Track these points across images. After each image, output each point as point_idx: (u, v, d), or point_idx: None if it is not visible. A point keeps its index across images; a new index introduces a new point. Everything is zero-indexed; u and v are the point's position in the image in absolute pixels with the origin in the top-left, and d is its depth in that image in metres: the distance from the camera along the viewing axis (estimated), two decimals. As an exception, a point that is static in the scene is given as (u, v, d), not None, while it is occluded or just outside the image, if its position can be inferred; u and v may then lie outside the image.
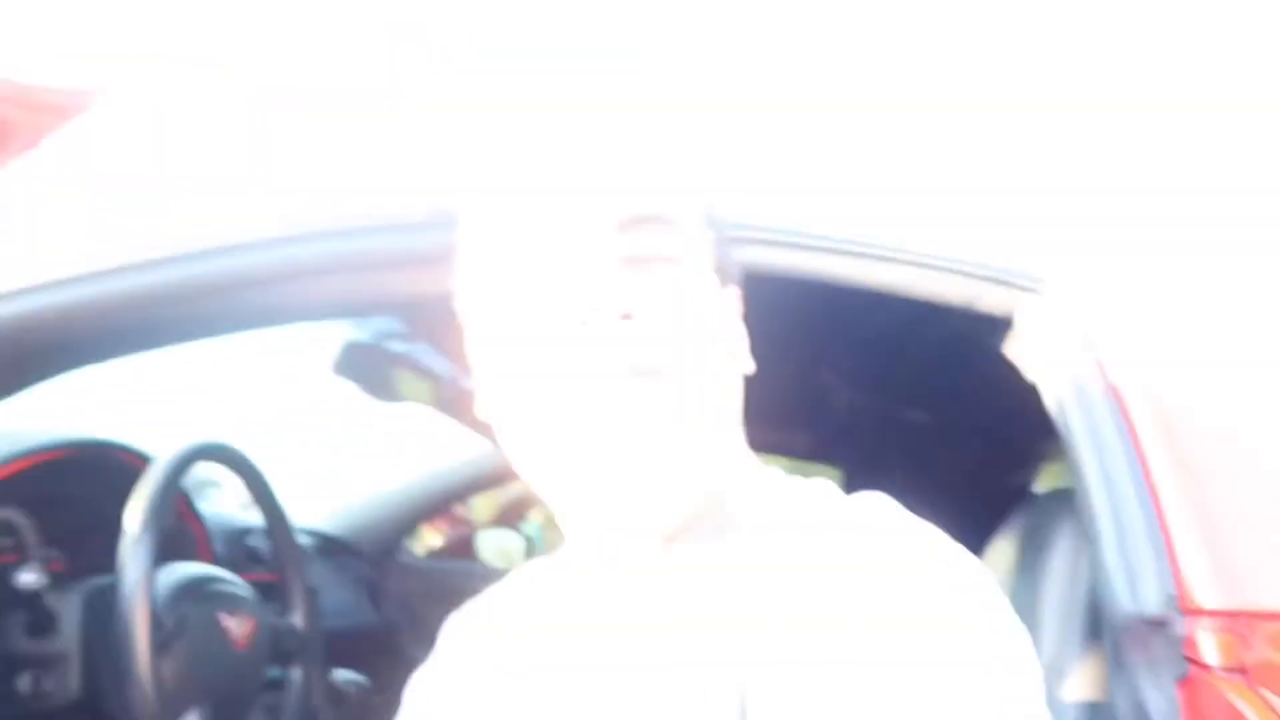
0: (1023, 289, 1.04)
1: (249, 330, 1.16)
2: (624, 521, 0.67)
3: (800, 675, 0.56)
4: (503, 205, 0.70)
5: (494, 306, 0.68)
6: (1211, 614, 0.76)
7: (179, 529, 1.48)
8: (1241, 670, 0.73)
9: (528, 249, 0.66)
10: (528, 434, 0.66)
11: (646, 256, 0.65)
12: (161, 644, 1.15)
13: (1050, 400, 0.97)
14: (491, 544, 2.55)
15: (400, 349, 1.76)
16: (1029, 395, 1.01)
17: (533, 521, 2.96)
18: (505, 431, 0.69)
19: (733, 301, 0.74)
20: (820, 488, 0.70)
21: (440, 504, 2.44)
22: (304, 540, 1.93)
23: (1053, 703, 0.57)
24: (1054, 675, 0.90)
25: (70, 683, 1.23)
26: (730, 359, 0.69)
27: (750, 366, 0.72)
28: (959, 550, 0.61)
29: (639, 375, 0.61)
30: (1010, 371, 1.06)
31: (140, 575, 1.14)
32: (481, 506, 2.97)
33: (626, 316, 0.61)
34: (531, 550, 2.55)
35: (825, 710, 0.53)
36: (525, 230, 0.66)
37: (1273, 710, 0.68)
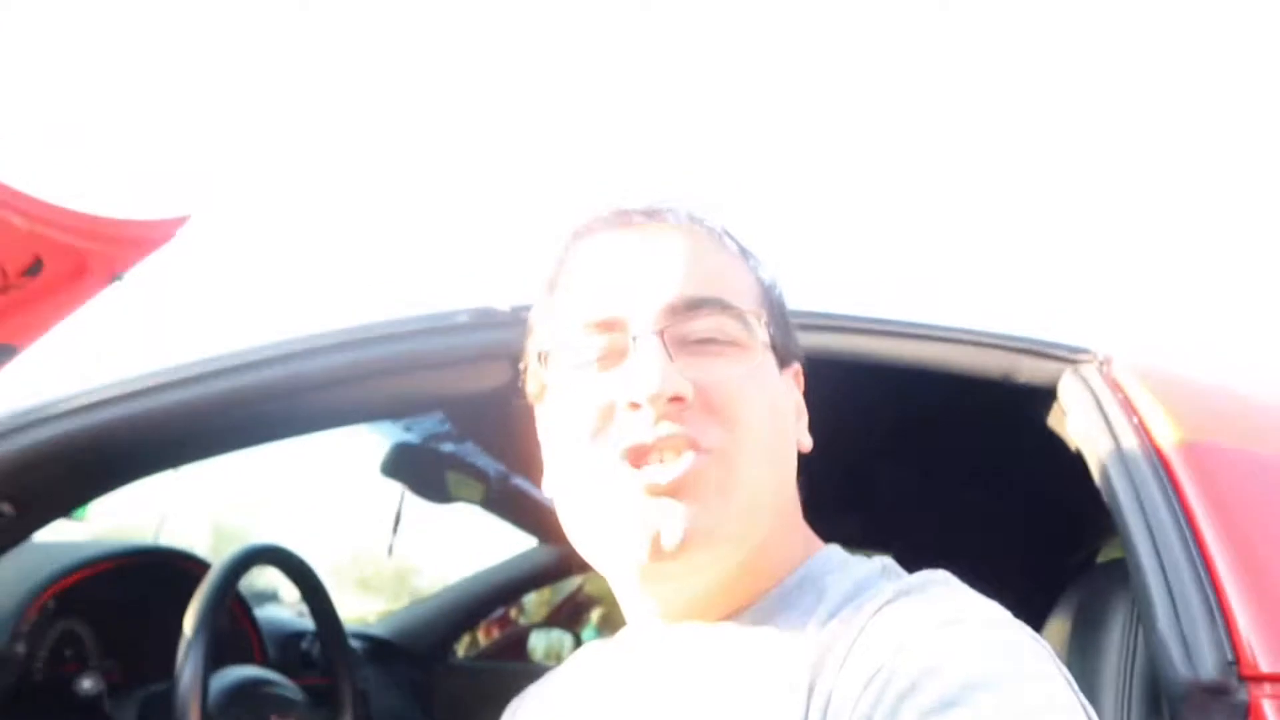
0: (1062, 360, 1.05)
1: (304, 434, 1.20)
2: (668, 594, 0.69)
3: None
4: (569, 287, 0.74)
5: (558, 386, 0.72)
6: (1272, 679, 0.73)
7: (234, 633, 1.50)
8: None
9: (588, 334, 0.70)
10: (585, 511, 0.68)
11: (702, 340, 0.68)
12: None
13: (1095, 469, 0.96)
14: (544, 643, 2.53)
15: (449, 449, 1.79)
16: (1076, 467, 1.01)
17: (589, 624, 2.93)
18: (563, 507, 0.71)
19: (793, 379, 0.76)
20: (883, 563, 0.70)
21: (491, 605, 2.43)
22: (356, 644, 1.93)
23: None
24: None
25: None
26: (788, 437, 0.71)
27: (808, 444, 0.74)
28: (1014, 621, 0.60)
29: (687, 452, 0.64)
30: (1055, 444, 1.06)
31: (194, 679, 1.15)
32: (534, 606, 2.95)
33: (678, 400, 0.64)
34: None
35: None
36: (586, 315, 0.70)
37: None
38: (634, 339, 0.67)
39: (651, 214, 0.74)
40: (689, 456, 0.64)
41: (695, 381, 0.65)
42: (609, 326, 0.69)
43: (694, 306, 0.68)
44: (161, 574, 1.45)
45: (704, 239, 0.74)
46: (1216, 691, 0.74)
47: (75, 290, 1.91)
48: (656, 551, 0.63)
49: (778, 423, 0.69)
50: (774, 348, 0.72)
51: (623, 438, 0.65)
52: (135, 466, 1.08)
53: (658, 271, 0.69)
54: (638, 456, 0.65)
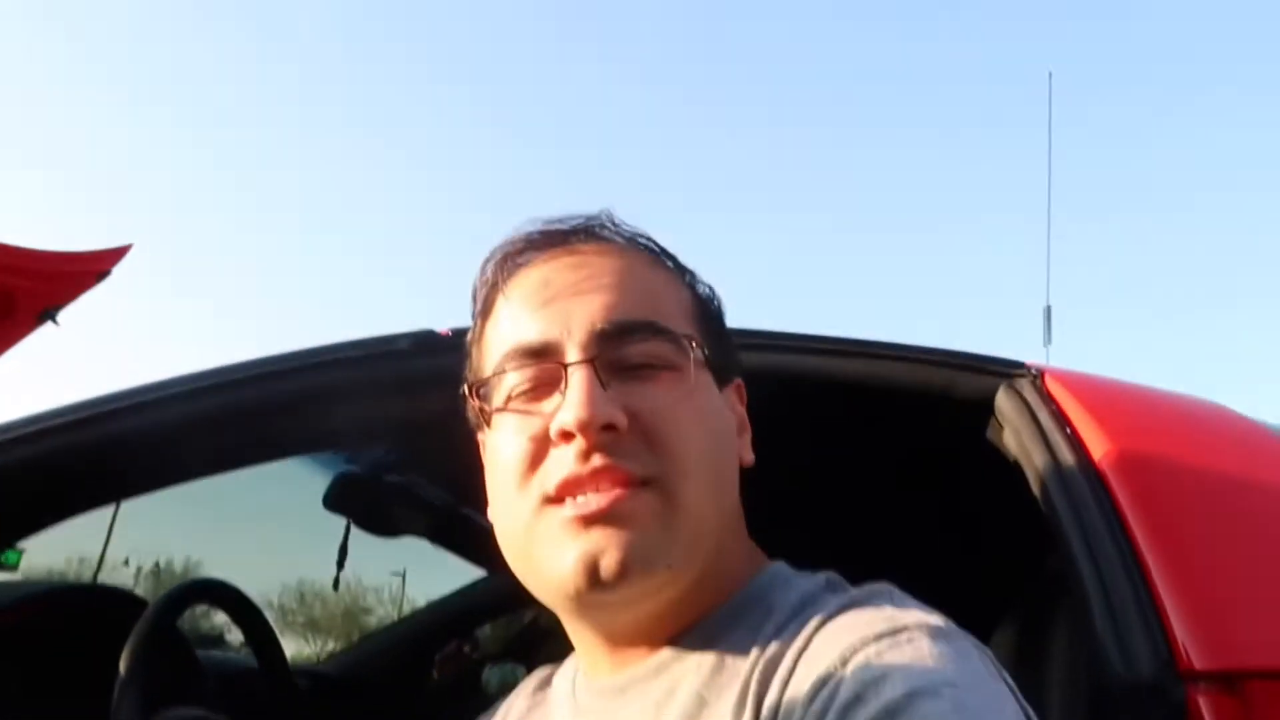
0: (997, 374, 1.07)
1: (242, 466, 1.18)
2: (612, 622, 0.68)
3: None
4: (501, 313, 0.73)
5: (494, 417, 0.71)
6: (1208, 675, 0.75)
7: (174, 674, 1.45)
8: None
9: (520, 362, 0.69)
10: (521, 543, 0.67)
11: (636, 365, 0.68)
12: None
13: (1033, 480, 0.98)
14: (498, 677, 2.49)
15: (394, 480, 1.76)
16: (1014, 479, 1.03)
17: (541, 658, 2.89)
18: (502, 540, 0.70)
19: (734, 394, 0.76)
20: (827, 578, 0.70)
21: (442, 638, 2.39)
22: (304, 683, 1.89)
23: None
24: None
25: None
26: (728, 457, 0.71)
27: (750, 459, 0.74)
28: (958, 630, 0.61)
29: (621, 487, 0.63)
30: (993, 457, 1.08)
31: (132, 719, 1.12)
32: (487, 640, 2.91)
33: (610, 428, 0.64)
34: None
35: None
36: (517, 342, 0.69)
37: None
38: (565, 366, 0.66)
39: (583, 233, 0.74)
40: (623, 486, 0.63)
41: (629, 408, 0.65)
42: (540, 354, 0.68)
43: (626, 331, 0.67)
44: (97, 614, 1.40)
45: (637, 258, 0.74)
46: (1154, 690, 0.76)
47: (1, 333, 1.81)
48: (593, 581, 0.63)
49: (717, 443, 0.69)
50: (711, 365, 0.71)
51: (555, 471, 0.65)
52: (63, 502, 1.05)
53: (589, 296, 0.69)
54: (571, 489, 0.64)
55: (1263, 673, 0.76)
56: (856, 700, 0.53)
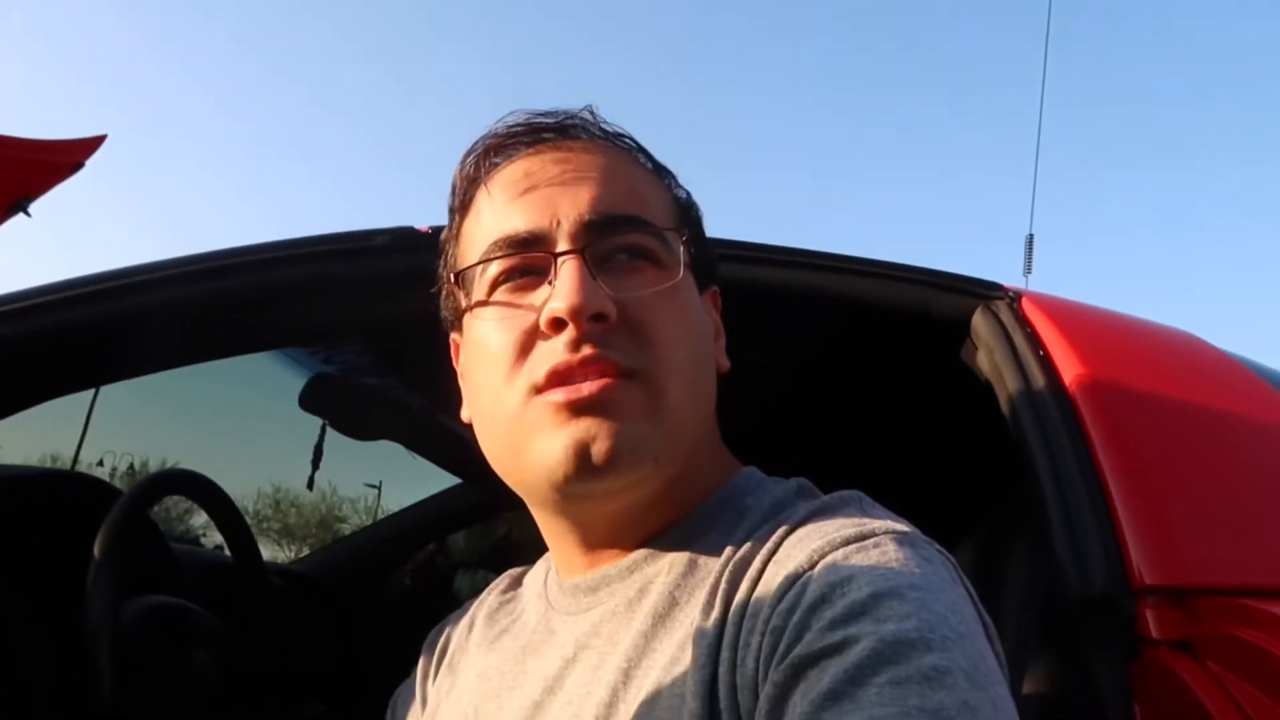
0: (975, 295, 1.08)
1: (214, 358, 1.17)
2: (591, 516, 0.69)
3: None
4: (482, 206, 0.73)
5: (477, 308, 0.71)
6: (1156, 590, 0.77)
7: (149, 565, 1.47)
8: (1189, 645, 0.75)
9: (507, 252, 0.69)
10: (508, 434, 0.68)
11: (623, 258, 0.68)
12: (128, 675, 1.14)
13: (1003, 401, 0.99)
14: (469, 584, 2.53)
15: (371, 383, 1.76)
16: (986, 401, 1.04)
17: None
18: (484, 433, 0.70)
19: (710, 301, 0.77)
20: (799, 484, 0.71)
21: (415, 543, 2.42)
22: (278, 581, 1.91)
23: (1015, 698, 0.57)
24: (1016, 669, 0.91)
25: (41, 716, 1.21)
26: (708, 358, 0.72)
27: (726, 364, 0.75)
28: (924, 537, 0.62)
29: (610, 377, 0.64)
30: (966, 378, 1.09)
31: (104, 604, 1.13)
32: (460, 550, 2.95)
33: (601, 318, 0.64)
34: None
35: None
36: (504, 232, 0.69)
37: (1219, 683, 0.70)
38: (555, 256, 0.66)
39: (566, 129, 0.73)
40: (612, 376, 0.64)
41: (617, 300, 0.65)
42: (528, 244, 0.68)
43: (614, 224, 0.67)
44: (71, 501, 1.41)
45: (620, 156, 0.73)
46: (1106, 603, 0.78)
47: None
48: (584, 467, 0.63)
49: (697, 343, 0.70)
50: (693, 268, 0.72)
51: (544, 360, 0.65)
52: (28, 389, 1.04)
53: (575, 188, 0.69)
54: (561, 378, 0.64)
55: (1207, 589, 0.78)
56: (823, 600, 0.54)
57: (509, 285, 0.69)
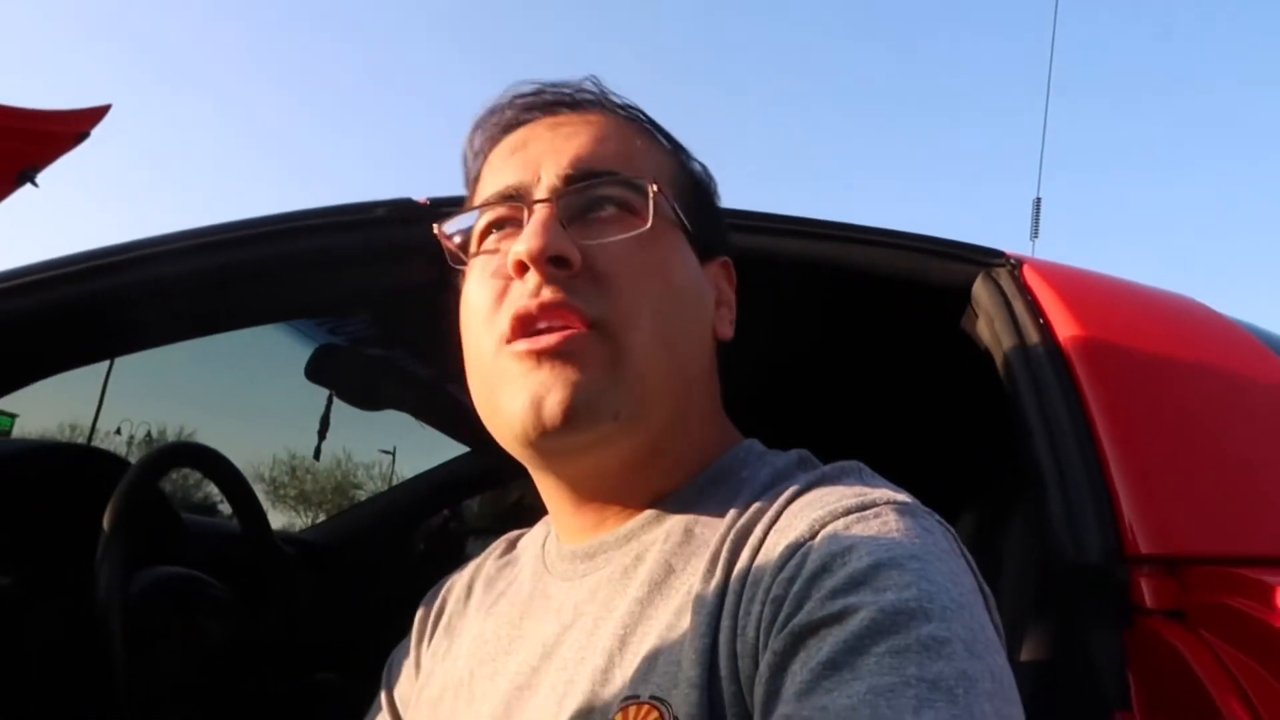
0: (975, 263, 1.07)
1: (219, 331, 1.18)
2: (571, 474, 0.70)
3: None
4: (484, 175, 0.74)
5: (469, 266, 0.72)
6: (1150, 559, 0.77)
7: (159, 536, 1.49)
8: (1183, 614, 0.75)
9: (492, 207, 0.71)
10: (483, 386, 0.69)
11: (598, 211, 0.69)
12: (138, 645, 1.16)
13: (1002, 370, 0.99)
14: (482, 550, 2.54)
15: (376, 354, 1.77)
16: (986, 369, 1.03)
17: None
18: (471, 387, 0.71)
19: (720, 271, 0.78)
20: (799, 455, 0.71)
21: (425, 510, 2.43)
22: (289, 549, 1.93)
23: (1011, 666, 0.57)
24: (1013, 638, 0.92)
25: (52, 687, 1.23)
26: (691, 317, 0.71)
27: (727, 333, 0.75)
28: (924, 507, 0.62)
29: (573, 326, 0.64)
30: (966, 346, 1.08)
31: (114, 575, 1.15)
32: (473, 511, 2.97)
33: (563, 263, 0.65)
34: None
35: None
36: (491, 191, 0.71)
37: (1212, 652, 0.70)
38: (530, 206, 0.68)
39: (568, 103, 0.75)
40: (574, 326, 0.64)
41: (585, 248, 0.66)
42: (510, 198, 0.70)
43: (590, 176, 0.69)
44: (83, 474, 1.43)
45: (617, 121, 0.74)
46: (1100, 571, 0.78)
47: None
48: (538, 423, 0.63)
49: (676, 299, 0.69)
50: (687, 230, 0.72)
51: (511, 305, 0.66)
52: (44, 361, 1.05)
53: (562, 146, 0.70)
54: (524, 324, 0.65)
55: (1199, 558, 0.78)
56: (823, 570, 0.54)
57: (493, 237, 0.71)
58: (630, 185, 0.69)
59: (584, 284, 0.65)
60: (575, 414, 0.63)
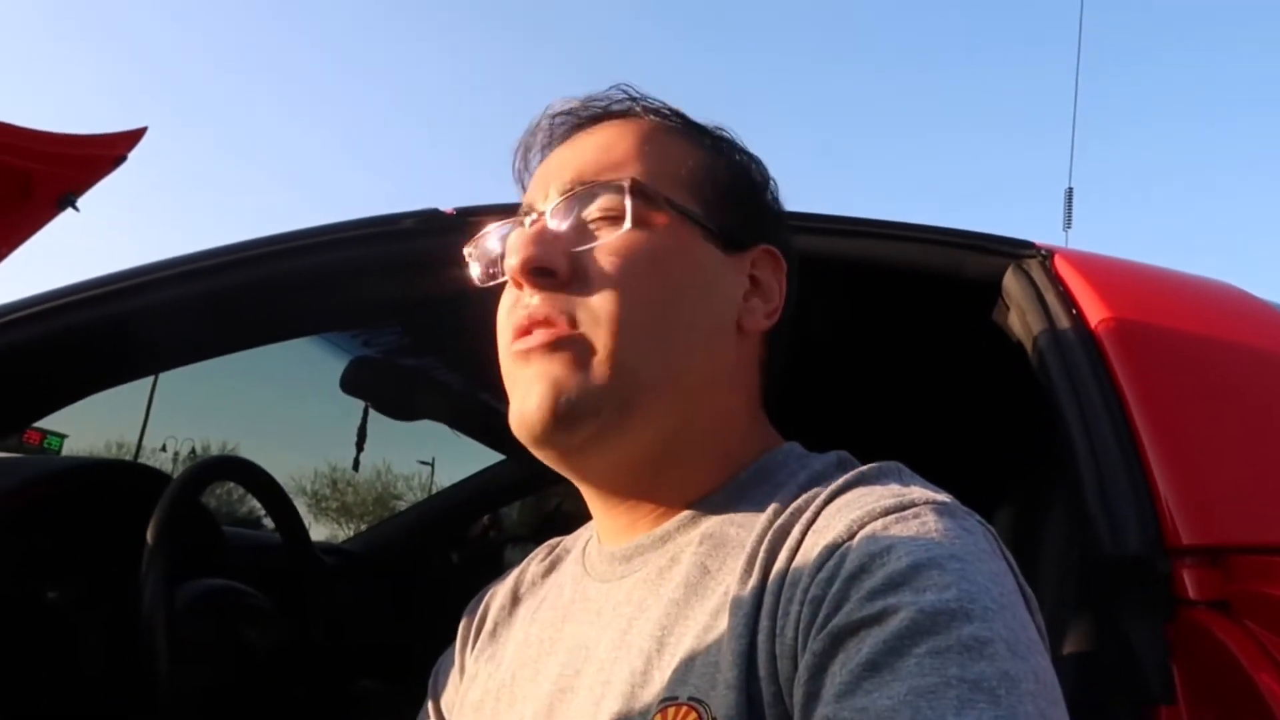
0: (1006, 255, 1.06)
1: (253, 346, 1.20)
2: (585, 475, 0.71)
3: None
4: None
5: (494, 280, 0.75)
6: (1193, 550, 0.76)
7: (200, 548, 1.51)
8: (1226, 604, 0.74)
9: (511, 220, 0.74)
10: (509, 394, 0.70)
11: (593, 217, 0.70)
12: (182, 656, 1.18)
13: (1035, 361, 0.98)
14: (522, 557, 2.55)
15: (410, 364, 1.78)
16: (1019, 361, 1.02)
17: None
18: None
19: (751, 260, 0.75)
20: (839, 456, 0.71)
21: (464, 519, 2.45)
22: (329, 560, 1.95)
23: (1053, 661, 0.57)
24: (1054, 632, 0.91)
25: (98, 698, 1.25)
26: (689, 309, 0.69)
27: (759, 324, 0.74)
28: (963, 507, 0.61)
29: (555, 329, 0.66)
30: (999, 339, 1.07)
31: (159, 588, 1.17)
32: (512, 524, 2.98)
33: (545, 272, 0.67)
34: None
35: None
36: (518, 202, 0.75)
37: (1257, 642, 0.68)
38: (530, 219, 0.71)
39: (595, 118, 0.77)
40: (558, 328, 0.66)
41: (576, 256, 0.67)
42: (524, 213, 0.73)
43: (586, 184, 0.70)
44: (125, 490, 1.45)
45: (633, 127, 0.75)
46: (1141, 563, 0.77)
47: (19, 217, 1.79)
48: (525, 423, 0.66)
49: (670, 296, 0.68)
50: (701, 223, 0.71)
51: (514, 314, 0.69)
52: (76, 381, 1.07)
53: (568, 160, 0.72)
54: (520, 331, 0.67)
55: (1243, 548, 0.76)
56: (862, 570, 0.54)
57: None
58: (611, 188, 0.69)
59: (574, 290, 0.67)
60: (557, 413, 0.64)
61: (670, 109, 0.77)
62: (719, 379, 0.71)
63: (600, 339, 0.65)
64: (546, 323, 0.66)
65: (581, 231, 0.69)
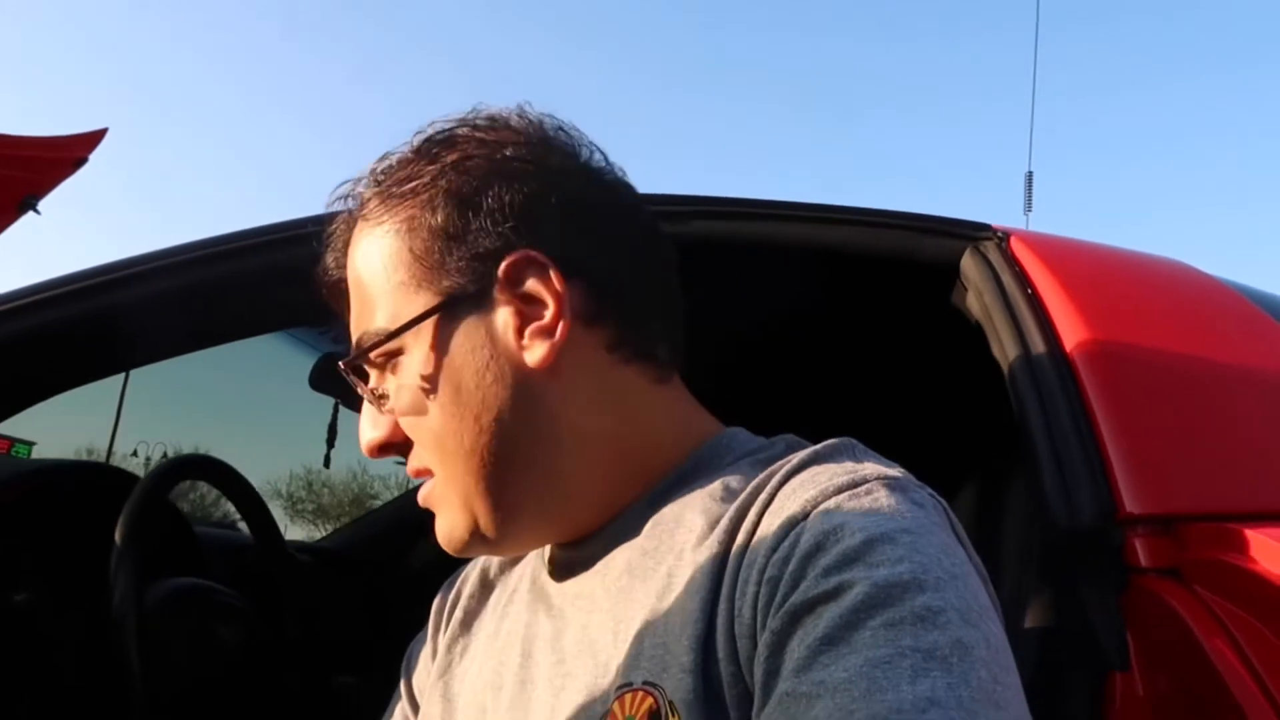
0: (963, 238, 1.07)
1: (223, 342, 1.19)
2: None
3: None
4: None
5: None
6: (1144, 519, 0.78)
7: (172, 548, 1.50)
8: (1178, 571, 0.76)
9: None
10: None
11: (376, 384, 0.72)
12: (155, 655, 1.17)
13: (992, 341, 0.99)
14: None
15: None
16: (977, 343, 1.04)
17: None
18: None
19: (504, 285, 0.67)
20: (786, 440, 0.72)
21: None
22: (304, 558, 1.95)
23: (1015, 634, 0.58)
24: (1015, 606, 0.92)
25: (71, 701, 1.25)
26: (479, 404, 0.66)
27: (537, 359, 0.65)
28: (917, 482, 0.62)
29: (423, 477, 0.70)
30: (957, 321, 1.09)
31: (129, 587, 1.16)
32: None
33: (381, 399, 0.70)
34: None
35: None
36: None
37: (1207, 608, 0.70)
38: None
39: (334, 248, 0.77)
40: (425, 474, 0.70)
41: (394, 420, 0.70)
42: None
43: (358, 354, 0.70)
44: (95, 491, 1.44)
45: (354, 257, 0.72)
46: (1094, 535, 0.79)
47: None
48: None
49: (457, 404, 0.66)
50: (421, 316, 0.67)
51: None
52: (50, 378, 1.06)
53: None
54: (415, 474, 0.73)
55: (1192, 516, 0.78)
56: (818, 548, 0.55)
57: None
58: (374, 351, 0.69)
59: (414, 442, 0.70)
60: (458, 548, 0.70)
61: (377, 185, 0.71)
62: (560, 427, 0.67)
63: (445, 478, 0.68)
64: (419, 473, 0.70)
65: (384, 394, 0.71)
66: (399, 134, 0.72)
